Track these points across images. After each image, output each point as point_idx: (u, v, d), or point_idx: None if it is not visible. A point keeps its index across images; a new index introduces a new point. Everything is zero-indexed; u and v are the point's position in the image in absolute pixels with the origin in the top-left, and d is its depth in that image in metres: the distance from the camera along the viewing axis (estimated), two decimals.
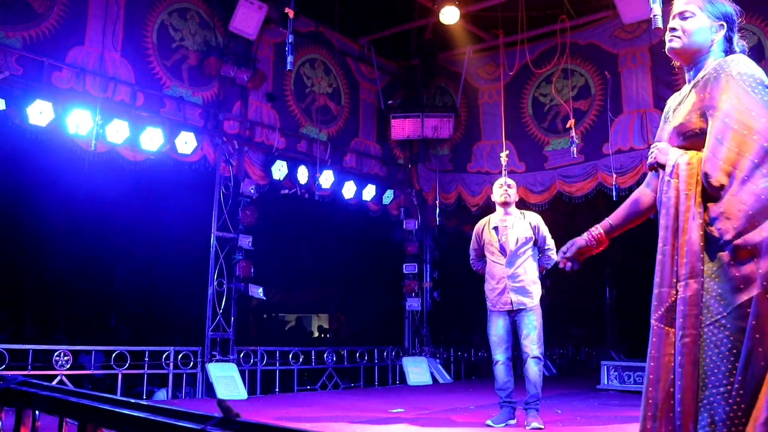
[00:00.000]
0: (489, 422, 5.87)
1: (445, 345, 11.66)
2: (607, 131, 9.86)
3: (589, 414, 6.84)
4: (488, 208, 10.92)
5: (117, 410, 2.16)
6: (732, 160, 2.48)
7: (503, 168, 9.71)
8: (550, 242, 6.23)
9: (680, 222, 2.59)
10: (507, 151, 9.99)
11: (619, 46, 9.99)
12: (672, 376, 2.52)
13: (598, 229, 3.19)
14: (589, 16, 10.20)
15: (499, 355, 6.02)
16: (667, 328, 2.58)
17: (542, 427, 5.65)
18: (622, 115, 9.83)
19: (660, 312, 2.61)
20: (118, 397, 6.38)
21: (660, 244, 2.62)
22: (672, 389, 2.52)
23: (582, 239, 3.26)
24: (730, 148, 2.50)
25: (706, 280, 2.50)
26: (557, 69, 10.28)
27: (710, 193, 2.54)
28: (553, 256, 6.20)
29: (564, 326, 14.56)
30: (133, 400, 2.25)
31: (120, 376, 7.73)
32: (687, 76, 2.90)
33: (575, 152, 9.42)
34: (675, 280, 2.57)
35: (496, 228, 6.24)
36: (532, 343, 5.95)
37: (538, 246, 6.20)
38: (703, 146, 2.60)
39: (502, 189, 6.28)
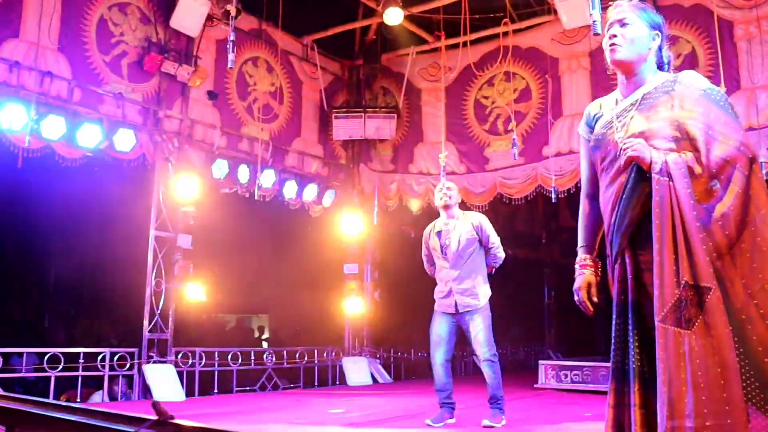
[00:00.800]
0: (428, 421, 5.90)
1: (385, 345, 11.69)
2: (547, 134, 10.02)
3: (527, 413, 6.93)
4: (429, 208, 11.01)
5: (48, 414, 2.11)
6: (722, 168, 2.60)
7: (442, 169, 9.81)
8: (495, 240, 6.24)
9: (676, 221, 2.62)
10: (446, 152, 10.09)
11: (560, 51, 10.16)
12: (684, 376, 2.52)
13: (588, 259, 3.19)
14: (531, 20, 10.36)
15: (438, 356, 6.05)
16: (673, 328, 2.60)
17: (494, 425, 5.68)
18: (562, 118, 10.00)
19: (663, 313, 2.63)
20: (51, 400, 6.23)
21: (656, 245, 2.63)
22: (684, 388, 2.53)
23: (590, 276, 3.21)
24: (717, 158, 2.61)
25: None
26: (499, 72, 10.41)
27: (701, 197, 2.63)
28: (500, 253, 6.25)
29: (503, 326, 14.72)
30: (65, 404, 2.21)
31: (53, 379, 7.54)
32: (623, 86, 2.97)
33: (516, 154, 9.55)
34: (677, 280, 2.59)
35: (439, 233, 6.26)
36: (482, 345, 5.98)
37: (484, 245, 6.19)
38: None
39: (442, 193, 6.31)
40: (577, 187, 9.91)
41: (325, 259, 11.83)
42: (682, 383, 2.53)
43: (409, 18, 10.47)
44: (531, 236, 15.77)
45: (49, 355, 7.60)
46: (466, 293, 6.05)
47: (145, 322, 8.50)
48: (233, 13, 7.62)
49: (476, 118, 10.74)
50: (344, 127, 10.96)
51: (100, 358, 8.00)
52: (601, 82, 9.74)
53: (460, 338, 6.18)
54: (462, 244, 6.13)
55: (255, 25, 10.26)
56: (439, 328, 6.10)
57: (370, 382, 10.72)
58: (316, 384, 10.47)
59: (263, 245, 12.17)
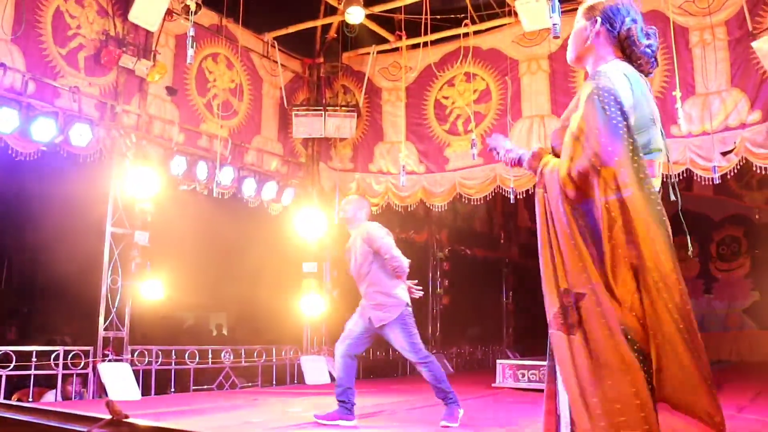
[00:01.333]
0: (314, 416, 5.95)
1: None
2: (507, 135, 10.10)
3: (484, 412, 6.98)
4: (389, 207, 11.04)
5: (1, 414, 2.08)
6: (583, 178, 2.63)
7: (402, 168, 9.85)
8: (386, 249, 6.01)
9: (551, 231, 2.72)
10: (406, 152, 10.13)
11: (520, 53, 10.26)
12: (574, 379, 2.61)
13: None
14: (492, 21, 10.45)
15: (339, 349, 6.06)
16: (558, 332, 2.65)
17: (450, 425, 5.66)
18: (521, 119, 10.10)
19: (549, 319, 2.69)
20: (2, 400, 6.12)
21: (540, 256, 2.75)
22: (577, 390, 2.64)
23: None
24: (576, 168, 2.63)
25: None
26: (459, 72, 10.47)
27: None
28: (395, 262, 6.00)
29: (461, 325, 14.83)
30: (17, 403, 2.17)
31: (4, 378, 7.39)
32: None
33: (475, 155, 9.62)
34: (557, 288, 2.68)
35: (349, 249, 6.25)
36: (409, 353, 5.92)
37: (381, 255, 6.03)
38: None
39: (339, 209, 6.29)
40: (535, 188, 10.00)
41: (283, 258, 11.78)
42: (574, 385, 2.59)
43: (370, 17, 10.49)
44: (490, 236, 15.91)
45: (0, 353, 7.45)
46: (376, 308, 5.99)
47: (101, 320, 8.38)
48: (193, 8, 7.58)
49: (436, 118, 10.80)
50: (304, 125, 10.93)
51: (53, 356, 7.86)
52: (561, 85, 9.88)
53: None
54: (359, 259, 6.07)
55: (215, 20, 10.17)
56: (353, 324, 6.12)
57: (328, 381, 10.70)
58: (274, 383, 10.43)
59: (222, 243, 12.09)
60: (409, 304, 6.11)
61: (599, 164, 2.57)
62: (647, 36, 2.90)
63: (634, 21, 2.87)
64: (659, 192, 2.92)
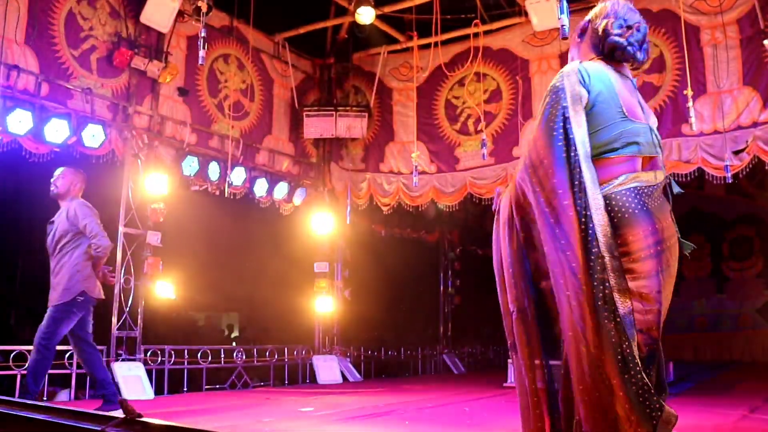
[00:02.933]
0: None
1: (355, 344, 11.71)
2: (517, 135, 10.10)
3: (495, 412, 6.98)
4: (400, 207, 11.06)
5: (14, 413, 2.10)
6: None
7: (414, 168, 9.86)
8: (92, 228, 5.97)
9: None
10: (417, 152, 10.14)
11: (531, 53, 10.25)
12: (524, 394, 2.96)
13: None
14: (502, 21, 10.44)
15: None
16: (512, 352, 3.02)
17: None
18: (532, 119, 10.08)
19: (508, 339, 3.07)
20: (16, 399, 6.17)
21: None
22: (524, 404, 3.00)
23: None
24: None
25: None
26: (470, 72, 10.47)
27: None
28: (100, 241, 5.98)
29: (473, 325, 14.83)
30: (31, 402, 2.20)
31: (18, 377, 7.45)
32: None
33: (486, 155, 9.62)
34: (507, 307, 3.11)
35: (51, 222, 6.16)
36: (40, 331, 5.92)
37: (86, 235, 5.99)
38: None
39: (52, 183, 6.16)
40: None
41: (295, 258, 11.82)
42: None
43: (380, 17, 10.50)
44: None
45: (15, 352, 7.51)
46: (55, 287, 5.91)
47: (114, 320, 8.43)
48: (204, 9, 7.58)
49: (447, 118, 10.80)
50: (315, 126, 10.96)
51: (67, 356, 7.91)
52: None
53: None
54: (58, 234, 5.98)
55: (226, 21, 10.21)
56: None
57: (340, 380, 10.73)
58: (286, 382, 10.46)
59: (233, 243, 12.13)
60: (91, 295, 6.07)
61: (531, 167, 2.62)
62: (627, 28, 2.91)
63: (616, 17, 2.91)
64: (654, 186, 2.82)
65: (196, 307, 13.76)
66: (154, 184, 8.80)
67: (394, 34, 11.15)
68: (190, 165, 9.35)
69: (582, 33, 3.06)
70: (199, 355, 9.35)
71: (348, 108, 11.08)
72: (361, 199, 11.33)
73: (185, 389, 9.09)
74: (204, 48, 7.23)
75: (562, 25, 5.02)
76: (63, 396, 8.15)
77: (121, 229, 8.67)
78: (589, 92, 2.70)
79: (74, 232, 5.97)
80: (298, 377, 10.73)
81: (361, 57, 11.60)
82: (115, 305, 8.48)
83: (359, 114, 11.01)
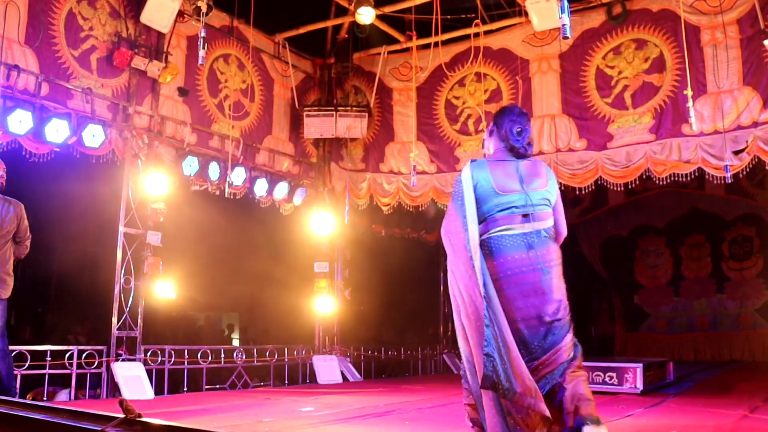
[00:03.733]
0: None
1: (355, 344, 11.71)
2: None
3: None
4: (400, 207, 11.06)
5: (14, 413, 2.10)
6: None
7: (413, 168, 9.86)
8: (28, 233, 6.40)
9: None
10: (416, 152, 10.13)
11: (531, 53, 10.25)
12: None
13: None
14: (502, 21, 10.44)
15: None
16: None
17: None
18: (532, 119, 10.08)
19: None
20: (17, 399, 6.17)
21: None
22: None
23: None
24: None
25: None
26: (470, 72, 10.47)
27: None
28: (28, 247, 6.44)
29: None
30: (31, 402, 2.19)
31: (19, 377, 7.45)
32: None
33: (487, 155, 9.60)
34: None
35: None
36: None
37: (19, 236, 6.29)
38: None
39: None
40: None
41: (295, 258, 11.82)
42: None
43: (381, 17, 10.50)
44: None
45: (15, 352, 7.51)
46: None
47: (114, 320, 8.43)
48: (204, 9, 7.59)
49: (447, 118, 10.80)
50: (315, 126, 10.96)
51: (67, 356, 7.92)
52: (571, 84, 9.87)
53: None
54: (2, 231, 6.20)
55: (226, 21, 10.21)
56: None
57: (340, 380, 10.73)
58: (286, 382, 10.46)
59: (233, 243, 12.14)
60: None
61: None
62: (519, 133, 4.16)
63: (512, 122, 4.18)
64: (520, 232, 4.01)
65: (196, 307, 13.77)
66: (154, 184, 8.80)
67: (394, 34, 11.15)
68: (190, 165, 9.35)
69: (491, 133, 4.34)
70: (199, 355, 9.35)
71: (348, 108, 11.08)
72: (361, 199, 11.33)
73: (185, 389, 9.09)
74: (204, 48, 7.25)
75: (564, 25, 5.02)
76: (63, 396, 8.15)
77: (121, 229, 8.67)
78: (476, 183, 4.04)
79: (13, 231, 6.09)
80: (298, 377, 10.73)
81: (361, 57, 11.60)
82: (115, 305, 8.48)
83: (359, 114, 11.02)
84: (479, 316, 3.68)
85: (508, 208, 3.98)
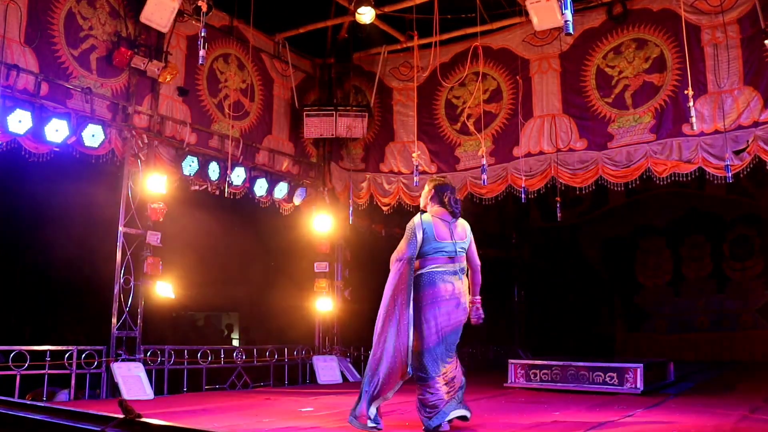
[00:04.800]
0: None
1: (355, 344, 11.69)
2: (518, 134, 10.09)
3: (496, 412, 6.97)
4: (400, 207, 11.05)
5: (13, 413, 2.09)
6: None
7: (415, 168, 9.85)
8: None
9: None
10: (418, 152, 10.12)
11: (531, 52, 10.24)
12: None
13: None
14: (503, 21, 10.43)
15: None
16: None
17: None
18: (533, 119, 10.08)
19: None
20: (16, 399, 6.16)
21: None
22: None
23: None
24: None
25: None
26: (470, 72, 10.45)
27: None
28: None
29: (473, 325, 14.77)
30: (31, 402, 2.18)
31: (18, 377, 7.44)
32: None
33: (485, 167, 9.61)
34: None
35: None
36: None
37: None
38: None
39: None
40: (547, 188, 10.01)
41: (295, 258, 11.81)
42: None
43: (381, 17, 10.48)
44: (501, 236, 15.86)
45: (14, 353, 7.50)
46: None
47: (114, 320, 8.42)
48: (204, 8, 7.57)
49: (447, 118, 10.80)
50: (315, 126, 10.95)
51: (67, 356, 7.91)
52: (572, 84, 9.86)
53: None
54: None
55: (226, 21, 10.20)
56: None
57: (340, 380, 10.72)
58: (286, 382, 10.45)
59: (233, 243, 12.12)
60: None
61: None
62: (455, 202, 5.77)
63: (451, 195, 5.79)
64: (446, 269, 5.65)
65: (196, 307, 13.74)
66: (153, 184, 8.80)
67: (394, 34, 11.13)
68: (190, 165, 9.34)
69: (432, 198, 5.82)
70: (199, 355, 9.34)
71: (348, 108, 11.07)
72: (361, 199, 11.33)
73: (185, 389, 9.08)
74: (204, 48, 7.23)
75: (566, 21, 5.01)
76: (62, 396, 8.13)
77: (121, 229, 8.66)
78: (423, 230, 5.56)
79: None
80: (298, 377, 10.72)
81: (361, 57, 11.59)
82: (115, 305, 8.47)
83: (359, 114, 11.01)
84: (402, 319, 5.48)
85: (440, 251, 5.61)
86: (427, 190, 5.88)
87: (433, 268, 5.59)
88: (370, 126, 11.24)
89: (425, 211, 5.78)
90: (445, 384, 5.60)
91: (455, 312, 5.64)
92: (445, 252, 5.62)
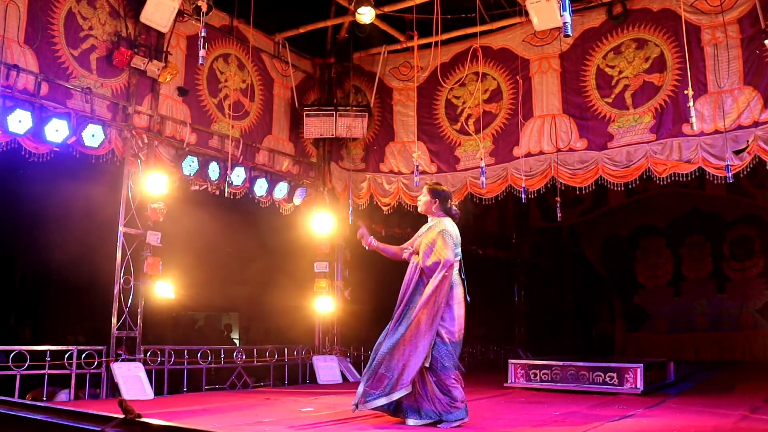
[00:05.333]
0: None
1: (355, 344, 11.69)
2: (518, 134, 10.09)
3: (496, 412, 6.97)
4: (400, 207, 11.05)
5: (13, 413, 2.09)
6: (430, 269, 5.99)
7: (415, 168, 9.85)
8: None
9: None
10: (419, 152, 10.12)
11: (531, 52, 10.24)
12: None
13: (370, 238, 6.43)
14: (503, 21, 10.43)
15: None
16: None
17: None
18: (533, 119, 10.08)
19: None
20: (16, 399, 6.16)
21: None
22: None
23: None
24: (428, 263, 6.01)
25: None
26: (470, 72, 10.45)
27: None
28: None
29: (473, 325, 14.76)
30: (31, 402, 2.18)
31: (18, 377, 7.44)
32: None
33: (485, 170, 9.62)
34: None
35: None
36: None
37: None
38: None
39: None
40: (547, 188, 10.01)
41: (295, 258, 11.80)
42: None
43: (381, 17, 10.48)
44: (501, 236, 15.86)
45: (14, 353, 7.50)
46: None
47: (114, 320, 8.42)
48: (204, 8, 7.58)
49: (447, 118, 10.79)
50: (315, 126, 10.95)
51: (67, 356, 7.91)
52: (572, 84, 9.85)
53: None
54: None
55: (226, 21, 10.20)
56: None
57: (340, 380, 10.72)
58: (286, 382, 10.45)
59: (233, 243, 12.12)
60: None
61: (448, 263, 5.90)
62: (457, 207, 6.23)
63: (451, 200, 6.22)
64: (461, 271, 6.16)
65: (196, 307, 13.74)
66: (153, 184, 8.79)
67: (394, 34, 11.13)
68: (190, 165, 9.34)
69: (437, 205, 6.12)
70: (199, 355, 9.34)
71: (348, 108, 11.07)
72: (361, 199, 11.33)
73: (185, 389, 9.08)
74: (204, 48, 7.24)
75: (565, 23, 5.01)
76: (63, 396, 8.13)
77: (121, 229, 8.66)
78: (456, 236, 6.01)
79: None
80: (298, 377, 10.72)
81: (361, 57, 11.59)
82: (115, 305, 8.46)
83: (359, 114, 11.01)
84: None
85: (458, 256, 6.03)
86: (429, 198, 6.14)
87: (457, 271, 6.04)
88: (370, 126, 11.24)
89: (443, 215, 6.17)
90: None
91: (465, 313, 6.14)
92: (460, 257, 6.09)
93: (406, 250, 6.24)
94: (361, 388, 5.96)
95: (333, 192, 11.61)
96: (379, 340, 6.19)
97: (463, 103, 10.67)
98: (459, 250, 6.03)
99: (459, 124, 10.69)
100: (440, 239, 5.89)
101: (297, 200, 10.98)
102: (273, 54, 11.05)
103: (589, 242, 17.81)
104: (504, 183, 10.19)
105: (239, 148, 10.09)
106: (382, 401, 5.85)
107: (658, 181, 9.30)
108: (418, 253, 6.07)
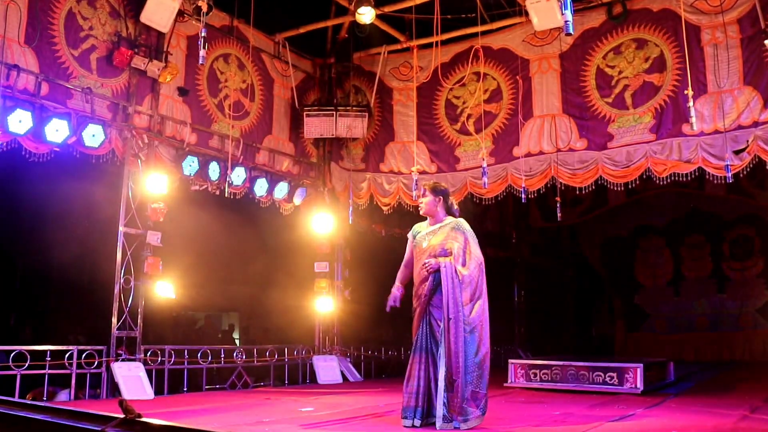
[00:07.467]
0: None
1: (355, 344, 11.70)
2: (518, 134, 10.09)
3: (496, 412, 6.97)
4: (400, 207, 11.05)
5: (13, 413, 2.09)
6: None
7: (414, 168, 9.86)
8: None
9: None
10: (417, 166, 10.13)
11: (531, 52, 10.24)
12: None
13: (400, 287, 6.19)
14: (503, 21, 10.43)
15: None
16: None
17: None
18: (533, 119, 10.08)
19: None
20: (16, 399, 6.16)
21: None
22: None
23: (397, 292, 6.21)
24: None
25: None
26: (470, 72, 10.45)
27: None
28: None
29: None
30: (31, 402, 2.19)
31: (18, 377, 7.44)
32: (430, 221, 6.10)
33: (486, 170, 9.63)
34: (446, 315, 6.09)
35: None
36: None
37: None
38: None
39: None
40: (547, 188, 10.02)
41: (295, 258, 11.81)
42: None
43: (381, 17, 10.49)
44: (501, 236, 15.87)
45: (15, 352, 7.50)
46: None
47: (114, 320, 8.42)
48: (204, 9, 7.58)
49: (447, 118, 10.79)
50: (315, 126, 10.95)
51: (67, 356, 7.91)
52: (572, 84, 9.85)
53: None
54: None
55: (226, 21, 10.20)
56: None
57: (340, 380, 10.72)
58: (286, 382, 10.45)
59: (233, 243, 12.12)
60: None
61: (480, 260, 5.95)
62: (455, 206, 6.11)
63: (452, 198, 6.13)
64: None
65: (196, 307, 13.75)
66: (154, 184, 8.80)
67: (394, 34, 11.13)
68: (190, 165, 9.34)
69: (441, 205, 6.01)
70: (199, 355, 9.34)
71: (348, 108, 11.08)
72: (361, 199, 11.33)
73: (185, 389, 9.08)
74: (204, 48, 7.24)
75: (566, 21, 5.01)
76: (63, 396, 8.13)
77: (121, 229, 8.66)
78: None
79: None
80: (298, 377, 10.72)
81: (361, 57, 11.59)
82: (115, 305, 8.47)
83: (359, 114, 11.01)
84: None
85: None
86: (432, 198, 6.04)
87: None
88: (370, 126, 11.25)
89: (449, 216, 6.13)
90: None
91: None
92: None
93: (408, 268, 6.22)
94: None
95: (333, 192, 11.62)
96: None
97: (463, 103, 10.67)
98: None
99: (459, 124, 10.69)
100: (472, 240, 5.99)
101: (297, 200, 10.98)
102: (273, 54, 11.05)
103: (589, 242, 17.82)
104: (504, 183, 10.19)
105: (239, 148, 10.09)
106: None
107: (657, 181, 9.31)
108: (436, 256, 5.81)
